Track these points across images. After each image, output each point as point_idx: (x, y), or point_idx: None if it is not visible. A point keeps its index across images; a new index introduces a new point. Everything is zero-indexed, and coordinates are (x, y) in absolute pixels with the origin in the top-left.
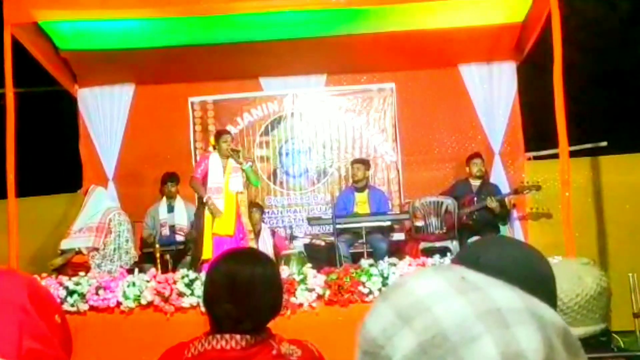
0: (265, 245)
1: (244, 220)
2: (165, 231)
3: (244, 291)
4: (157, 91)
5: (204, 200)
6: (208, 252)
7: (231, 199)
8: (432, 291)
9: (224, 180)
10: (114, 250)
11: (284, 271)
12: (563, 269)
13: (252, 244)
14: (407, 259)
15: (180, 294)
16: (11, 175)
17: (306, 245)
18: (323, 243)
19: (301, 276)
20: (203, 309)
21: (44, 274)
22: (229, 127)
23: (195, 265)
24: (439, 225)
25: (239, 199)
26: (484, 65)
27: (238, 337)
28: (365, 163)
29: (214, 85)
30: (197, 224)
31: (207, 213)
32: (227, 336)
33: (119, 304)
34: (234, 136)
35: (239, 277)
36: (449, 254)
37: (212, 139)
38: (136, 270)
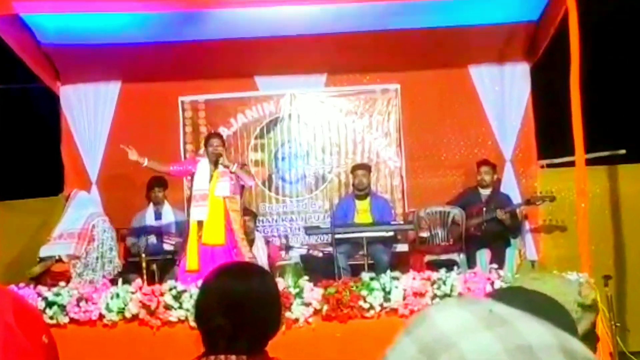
0: (259, 256)
1: (234, 227)
2: (152, 239)
3: (240, 306)
4: (145, 89)
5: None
6: (193, 263)
7: (218, 205)
8: (458, 325)
9: (209, 187)
10: (97, 258)
11: (279, 283)
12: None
13: (246, 253)
14: (411, 272)
15: (168, 307)
16: None
17: (303, 256)
18: (321, 254)
19: (297, 289)
20: (193, 324)
21: (21, 284)
22: (222, 129)
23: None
24: (445, 236)
25: (227, 205)
26: (495, 66)
27: (233, 357)
28: (368, 169)
29: (206, 83)
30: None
31: (192, 219)
32: (221, 357)
33: (101, 316)
34: (227, 139)
35: (235, 292)
36: (455, 267)
37: (203, 144)
38: (120, 280)
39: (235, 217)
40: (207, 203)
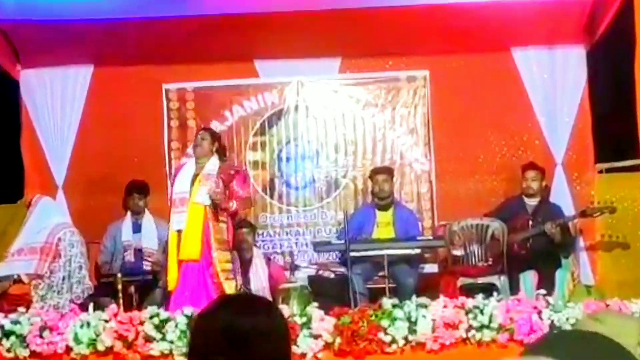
0: (258, 277)
1: (212, 242)
2: (130, 256)
3: (245, 344)
4: (122, 75)
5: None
6: (173, 281)
7: (197, 214)
8: None
9: (189, 190)
10: (63, 278)
11: (283, 311)
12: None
13: (223, 278)
14: (442, 298)
15: (148, 339)
16: None
17: (311, 278)
18: (333, 275)
19: (304, 318)
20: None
21: None
22: (214, 124)
23: (166, 301)
24: (482, 255)
25: (208, 213)
26: (544, 49)
27: None
28: (390, 173)
29: (196, 68)
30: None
31: (171, 230)
32: None
33: (69, 349)
34: (220, 134)
35: (240, 328)
36: (495, 292)
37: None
38: (91, 305)
39: (217, 229)
40: (186, 209)
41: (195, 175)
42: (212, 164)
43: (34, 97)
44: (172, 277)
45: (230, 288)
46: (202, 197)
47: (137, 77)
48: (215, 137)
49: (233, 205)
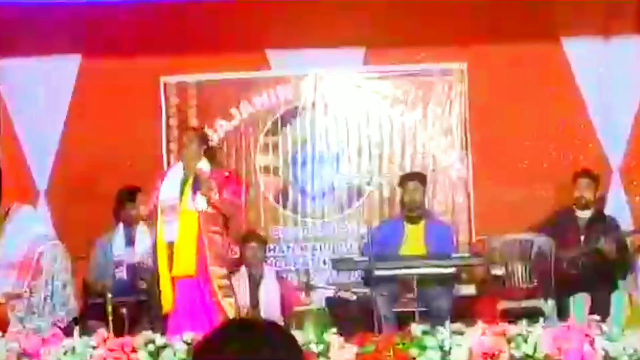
0: (269, 299)
1: (208, 255)
2: (122, 273)
3: None
4: (115, 67)
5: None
6: (167, 300)
7: (190, 222)
8: None
9: (179, 195)
10: (45, 299)
11: (296, 337)
12: None
13: (222, 296)
14: (480, 324)
15: None
16: None
17: (330, 300)
18: (354, 297)
19: (321, 346)
20: None
21: None
22: (220, 123)
23: (158, 323)
24: (527, 275)
25: (202, 222)
26: (598, 39)
27: None
28: (422, 180)
29: (198, 60)
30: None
31: (160, 243)
32: None
33: None
34: (226, 136)
35: None
36: (541, 318)
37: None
38: (77, 330)
39: (212, 240)
40: (176, 217)
41: (184, 181)
42: (203, 165)
43: (12, 91)
44: (167, 296)
45: (229, 307)
46: (195, 202)
47: (132, 68)
48: (204, 138)
49: (224, 206)
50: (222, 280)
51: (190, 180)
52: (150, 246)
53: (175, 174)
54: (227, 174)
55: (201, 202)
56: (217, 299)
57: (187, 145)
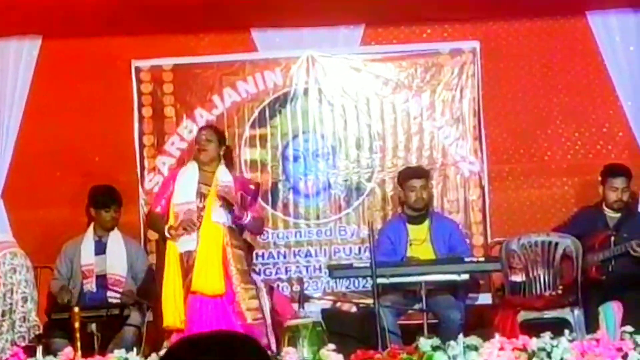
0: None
1: (232, 271)
2: (91, 285)
3: None
4: (79, 49)
5: (167, 235)
6: (174, 316)
7: (215, 235)
8: None
9: (198, 202)
10: (3, 314)
11: (290, 355)
12: None
13: (250, 314)
14: (497, 338)
15: None
16: None
17: (326, 312)
18: (355, 308)
19: None
20: None
21: None
22: (199, 112)
23: (152, 343)
24: (550, 281)
25: (225, 237)
26: (629, 13)
27: None
28: (428, 176)
29: (175, 40)
30: (158, 277)
31: (173, 251)
32: None
33: None
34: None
35: None
36: (567, 331)
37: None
38: (40, 349)
39: (237, 256)
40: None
41: (201, 185)
42: (224, 173)
43: None
44: (174, 310)
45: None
46: (222, 215)
47: (99, 51)
48: (223, 138)
49: (247, 217)
50: (252, 302)
51: (214, 191)
52: (123, 255)
53: (189, 176)
54: (252, 186)
55: (229, 218)
56: (247, 322)
57: (205, 145)
